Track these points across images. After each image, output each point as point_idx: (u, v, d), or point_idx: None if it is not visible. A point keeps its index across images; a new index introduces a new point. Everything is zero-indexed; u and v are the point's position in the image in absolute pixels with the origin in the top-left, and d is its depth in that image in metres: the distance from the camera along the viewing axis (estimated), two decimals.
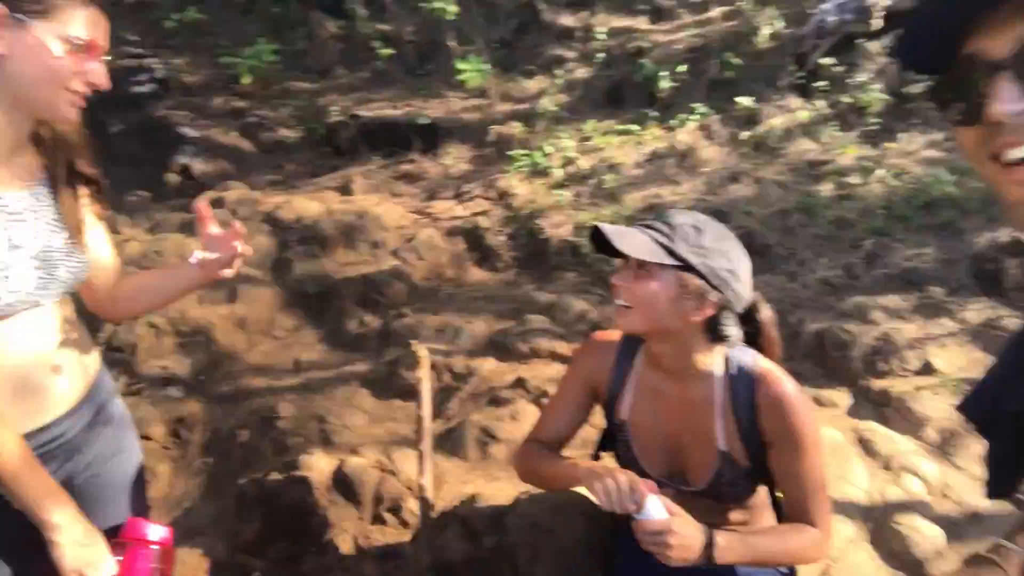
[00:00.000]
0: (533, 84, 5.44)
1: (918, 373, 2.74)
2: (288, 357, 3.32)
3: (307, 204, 4.03)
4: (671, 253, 1.47)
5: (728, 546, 1.44)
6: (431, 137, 5.01)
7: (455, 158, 4.85)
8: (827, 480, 1.58)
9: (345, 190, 4.51)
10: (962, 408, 0.95)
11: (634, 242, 1.49)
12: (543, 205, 4.10)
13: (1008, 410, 0.88)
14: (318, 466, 2.43)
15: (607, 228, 1.49)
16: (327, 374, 3.17)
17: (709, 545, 1.43)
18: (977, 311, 2.98)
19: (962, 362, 2.77)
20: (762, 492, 1.69)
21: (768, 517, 1.72)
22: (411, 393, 2.95)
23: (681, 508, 1.44)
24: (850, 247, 3.41)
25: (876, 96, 4.38)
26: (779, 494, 1.66)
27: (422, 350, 2.09)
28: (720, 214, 3.71)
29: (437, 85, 5.61)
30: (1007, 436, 0.89)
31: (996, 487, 0.89)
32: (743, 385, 1.56)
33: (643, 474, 1.68)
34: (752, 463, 1.58)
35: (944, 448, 2.43)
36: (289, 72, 5.99)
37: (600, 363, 1.74)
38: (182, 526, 2.51)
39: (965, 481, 2.32)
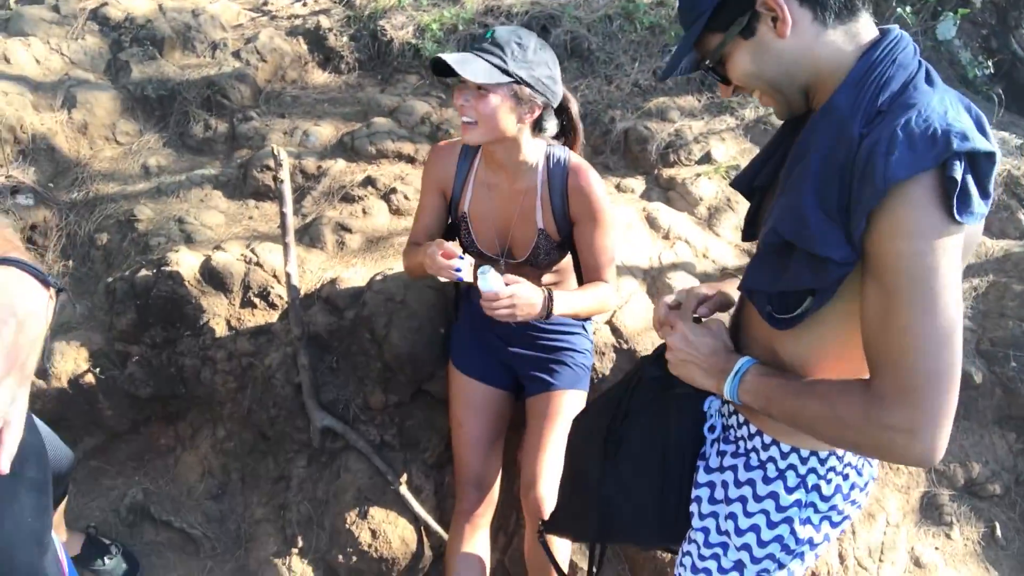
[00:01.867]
0: None
1: (699, 162, 3.30)
2: (135, 163, 3.36)
3: (135, 1, 3.82)
4: (505, 72, 1.78)
5: (561, 300, 1.90)
6: None
7: None
8: (615, 250, 2.07)
9: None
10: (734, 183, 1.41)
11: (474, 68, 1.75)
12: (384, 5, 4.12)
13: (757, 184, 1.32)
14: (186, 261, 2.63)
15: (450, 58, 1.74)
16: (178, 178, 3.26)
17: (549, 299, 1.88)
18: (753, 108, 3.54)
19: (735, 152, 3.35)
20: (567, 260, 2.18)
21: (572, 280, 2.22)
22: (264, 194, 3.16)
23: (520, 277, 1.86)
24: (660, 52, 3.80)
25: None
26: (581, 262, 2.14)
27: (283, 152, 2.31)
28: (552, 18, 3.94)
29: None
30: (755, 201, 1.35)
31: (746, 234, 1.37)
32: (558, 176, 1.97)
33: (480, 254, 2.12)
34: (561, 237, 2.04)
35: (710, 221, 3.05)
36: None
37: (445, 167, 2.08)
38: (53, 324, 2.68)
39: (722, 245, 2.96)
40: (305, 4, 4.25)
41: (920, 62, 1.07)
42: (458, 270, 1.82)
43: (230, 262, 2.65)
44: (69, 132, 3.30)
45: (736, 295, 1.42)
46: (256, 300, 2.63)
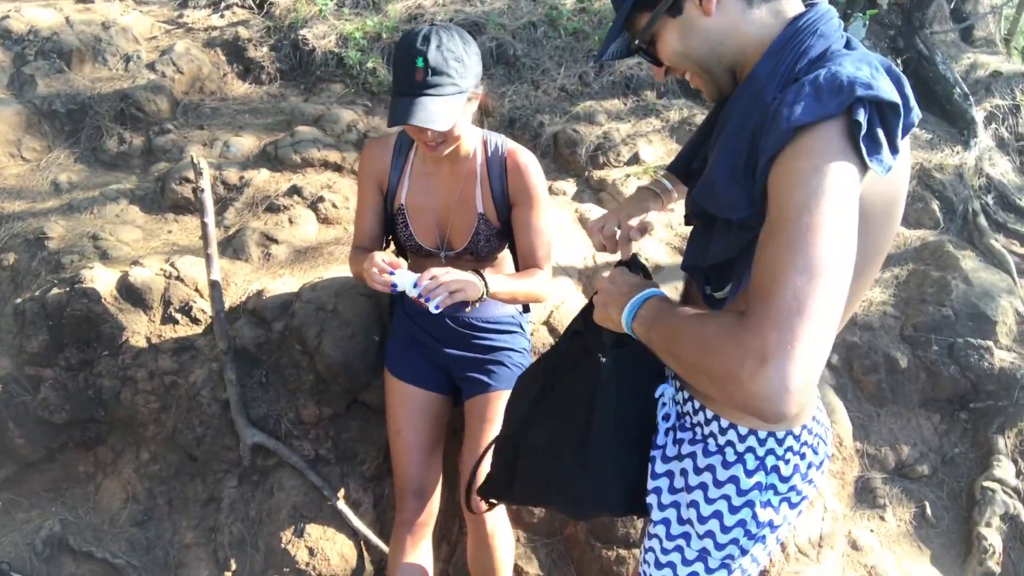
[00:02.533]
0: None
1: (628, 163, 3.34)
2: (44, 179, 3.20)
3: (39, 13, 3.64)
4: (459, 94, 1.75)
5: (494, 279, 1.88)
6: None
7: None
8: (551, 236, 2.07)
9: None
10: (671, 168, 1.42)
11: (443, 117, 1.71)
12: (305, 15, 4.05)
13: (693, 168, 1.33)
14: (101, 278, 2.51)
15: (415, 120, 1.68)
16: (92, 193, 3.11)
17: (481, 277, 1.85)
18: (678, 111, 3.62)
19: (662, 152, 3.41)
20: (506, 252, 2.17)
21: (510, 269, 2.21)
22: (184, 207, 3.04)
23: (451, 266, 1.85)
24: (584, 57, 3.85)
25: None
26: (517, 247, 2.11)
27: (203, 161, 2.22)
28: (477, 25, 3.94)
29: None
30: (693, 183, 1.35)
31: (688, 219, 1.30)
32: (497, 159, 1.98)
33: (418, 247, 2.09)
34: (500, 222, 2.03)
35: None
36: None
37: (380, 162, 2.05)
38: None
39: (654, 243, 3.00)
40: (223, 16, 4.13)
41: (843, 35, 1.09)
42: (394, 286, 1.79)
43: (149, 277, 2.53)
44: None
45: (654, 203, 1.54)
46: (178, 316, 2.52)
